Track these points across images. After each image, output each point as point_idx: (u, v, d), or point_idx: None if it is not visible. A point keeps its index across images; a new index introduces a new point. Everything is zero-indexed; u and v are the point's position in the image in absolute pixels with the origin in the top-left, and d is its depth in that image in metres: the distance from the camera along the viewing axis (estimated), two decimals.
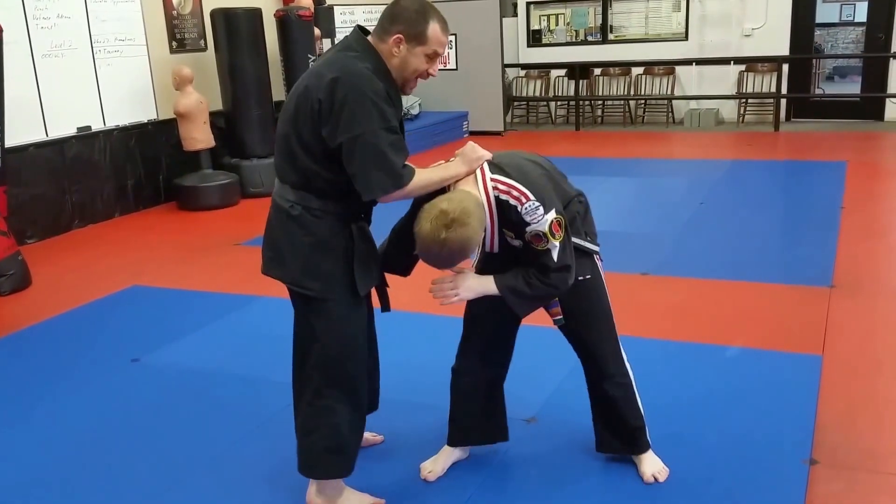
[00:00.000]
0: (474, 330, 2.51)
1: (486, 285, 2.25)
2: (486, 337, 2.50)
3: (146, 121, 6.84)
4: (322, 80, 2.10)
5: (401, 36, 2.14)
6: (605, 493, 2.48)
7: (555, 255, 2.17)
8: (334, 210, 2.19)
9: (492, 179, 2.19)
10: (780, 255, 4.83)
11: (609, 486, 2.50)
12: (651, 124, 10.47)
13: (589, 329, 2.42)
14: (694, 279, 4.36)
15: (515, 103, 11.14)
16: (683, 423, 2.81)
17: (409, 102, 9.51)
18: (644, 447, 2.52)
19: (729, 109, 10.24)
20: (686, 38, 10.17)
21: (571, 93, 10.53)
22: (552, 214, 2.15)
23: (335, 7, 8.82)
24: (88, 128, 6.36)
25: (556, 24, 10.96)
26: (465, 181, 2.22)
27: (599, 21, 10.69)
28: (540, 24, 11.05)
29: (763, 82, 9.83)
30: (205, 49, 7.38)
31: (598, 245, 2.41)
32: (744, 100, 9.97)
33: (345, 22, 9.20)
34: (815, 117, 9.88)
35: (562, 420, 2.78)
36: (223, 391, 3.28)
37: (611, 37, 10.69)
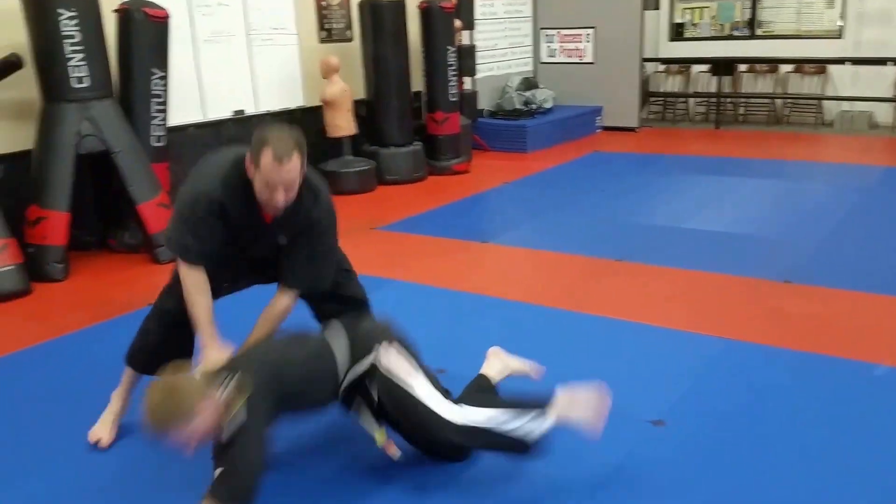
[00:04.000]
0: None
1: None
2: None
3: (294, 107, 7.17)
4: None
5: (250, 158, 2.32)
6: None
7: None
8: None
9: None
10: None
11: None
12: (797, 125, 9.99)
13: (410, 414, 2.36)
14: (839, 290, 4.17)
15: (651, 99, 10.89)
16: (825, 442, 2.73)
17: (543, 96, 9.49)
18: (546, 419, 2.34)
19: (884, 112, 9.62)
20: (840, 35, 9.63)
21: (713, 89, 10.19)
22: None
23: None
24: (242, 111, 6.75)
25: (701, 18, 10.63)
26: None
27: (747, 15, 10.28)
28: (683, 17, 10.75)
29: None
30: (351, 39, 7.64)
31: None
32: None
33: (484, 14, 9.26)
34: None
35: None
36: None
37: (758, 32, 10.27)
